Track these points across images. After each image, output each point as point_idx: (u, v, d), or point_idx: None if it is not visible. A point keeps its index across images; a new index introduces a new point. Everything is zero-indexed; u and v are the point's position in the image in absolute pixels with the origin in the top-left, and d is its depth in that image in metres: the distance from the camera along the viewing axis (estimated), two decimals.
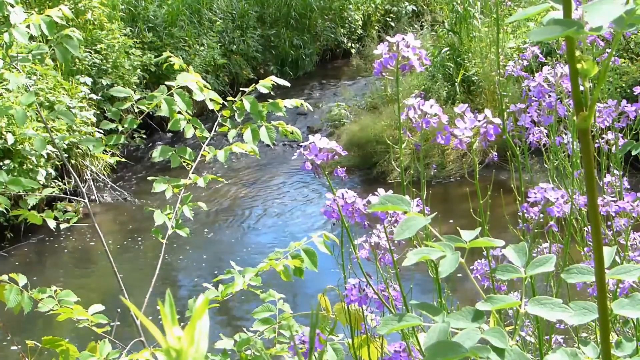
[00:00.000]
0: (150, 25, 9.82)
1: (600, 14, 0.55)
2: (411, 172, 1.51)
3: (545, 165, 1.92)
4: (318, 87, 11.01)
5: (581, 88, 0.66)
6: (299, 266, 1.92)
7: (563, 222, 1.59)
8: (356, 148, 7.39)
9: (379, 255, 1.44)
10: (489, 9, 7.63)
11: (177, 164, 2.24)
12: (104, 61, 8.39)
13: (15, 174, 6.01)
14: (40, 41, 2.66)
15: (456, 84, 7.67)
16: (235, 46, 10.72)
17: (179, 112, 2.16)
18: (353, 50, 12.90)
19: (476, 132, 1.16)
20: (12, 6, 2.00)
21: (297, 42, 11.69)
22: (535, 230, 1.41)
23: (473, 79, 7.62)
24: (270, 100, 2.18)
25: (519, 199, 1.59)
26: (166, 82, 2.15)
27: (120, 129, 2.13)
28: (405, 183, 1.38)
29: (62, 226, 2.24)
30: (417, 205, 1.35)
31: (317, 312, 1.30)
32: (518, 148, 1.70)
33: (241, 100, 2.17)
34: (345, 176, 1.39)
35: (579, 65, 0.64)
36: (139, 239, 6.50)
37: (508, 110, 1.71)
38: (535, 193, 1.35)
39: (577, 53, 0.65)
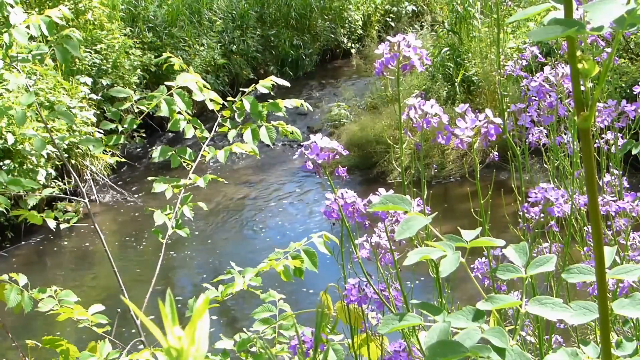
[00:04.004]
0: (150, 25, 9.82)
1: (602, 13, 0.55)
2: (411, 172, 1.51)
3: (545, 165, 1.92)
4: (318, 87, 11.01)
5: (582, 88, 0.66)
6: (299, 266, 1.92)
7: (563, 222, 1.59)
8: (356, 148, 7.39)
9: (380, 255, 1.44)
10: (489, 9, 7.63)
11: (177, 164, 2.24)
12: (104, 61, 8.39)
13: (15, 174, 6.01)
14: (40, 41, 2.66)
15: (456, 84, 7.67)
16: (235, 46, 10.72)
17: (179, 112, 2.17)
18: (353, 50, 12.90)
19: (477, 131, 1.16)
20: (12, 6, 2.00)
21: (297, 42, 11.69)
22: (536, 230, 1.41)
23: (473, 79, 7.62)
24: (270, 101, 2.18)
25: (519, 198, 1.59)
26: (166, 82, 2.15)
27: (120, 129, 2.13)
28: (405, 183, 1.38)
29: (62, 226, 2.24)
30: (418, 205, 1.35)
31: (322, 311, 1.30)
32: (518, 148, 1.70)
33: (241, 100, 2.17)
34: (346, 176, 1.39)
35: (580, 65, 0.64)
36: (139, 239, 6.50)
37: (508, 110, 1.71)
38: (536, 193, 1.35)
39: (578, 53, 0.65)
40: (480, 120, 1.16)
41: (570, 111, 1.66)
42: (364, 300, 1.47)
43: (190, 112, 2.22)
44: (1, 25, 2.04)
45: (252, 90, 2.18)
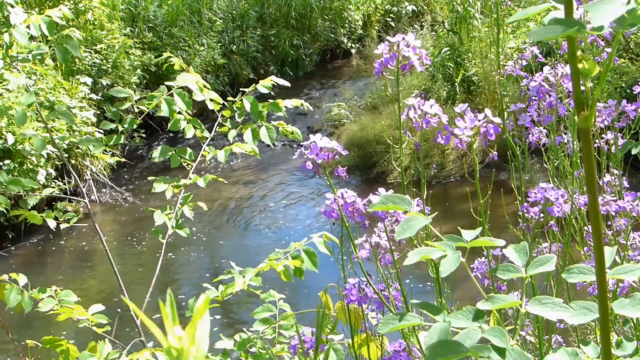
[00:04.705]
0: (150, 25, 9.82)
1: (602, 13, 0.55)
2: (411, 172, 1.51)
3: (545, 165, 1.92)
4: (318, 87, 11.01)
5: (582, 88, 0.66)
6: (299, 266, 1.92)
7: (563, 222, 1.59)
8: (356, 148, 7.39)
9: (379, 255, 1.44)
10: (489, 9, 7.63)
11: (177, 164, 2.24)
12: (104, 61, 8.39)
13: (16, 174, 6.01)
14: (40, 41, 2.66)
15: (456, 84, 7.67)
16: (235, 46, 10.72)
17: (179, 112, 2.17)
18: (353, 50, 12.90)
19: (476, 131, 1.16)
20: (12, 6, 2.00)
21: (297, 42, 11.69)
22: (536, 230, 1.41)
23: (473, 79, 7.62)
24: (270, 101, 2.18)
25: (519, 198, 1.59)
26: (166, 82, 2.15)
27: (120, 129, 2.13)
28: (405, 183, 1.38)
29: (62, 226, 2.24)
30: (418, 205, 1.35)
31: (323, 311, 1.30)
32: (518, 148, 1.70)
33: (241, 100, 2.17)
34: (346, 176, 1.39)
35: (580, 65, 0.64)
36: (139, 239, 6.50)
37: (508, 110, 1.71)
38: (535, 193, 1.35)
39: (578, 53, 0.65)
40: (479, 120, 1.17)
41: (570, 111, 1.66)
42: (364, 300, 1.47)
43: (190, 112, 2.21)
44: (1, 25, 2.04)
45: (252, 90, 2.18)
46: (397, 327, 0.89)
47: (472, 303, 0.86)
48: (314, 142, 1.31)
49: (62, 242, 6.57)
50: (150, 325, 0.48)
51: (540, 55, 1.94)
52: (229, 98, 2.27)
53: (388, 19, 13.64)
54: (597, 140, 1.92)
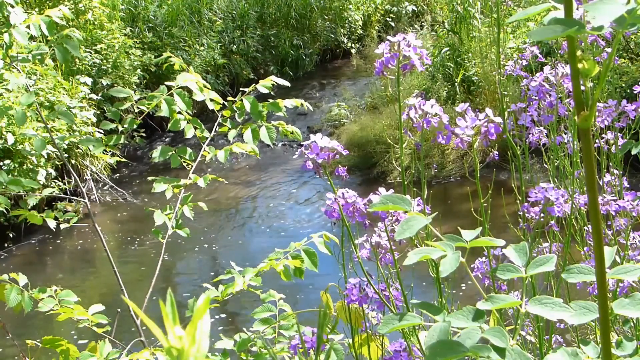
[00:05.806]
0: (150, 25, 9.82)
1: (602, 13, 0.55)
2: (411, 171, 1.51)
3: (545, 165, 1.92)
4: (318, 87, 11.00)
5: (582, 88, 0.66)
6: (299, 266, 1.92)
7: (563, 222, 1.59)
8: (356, 148, 7.39)
9: (380, 255, 1.44)
10: (489, 9, 7.63)
11: (177, 164, 2.24)
12: (104, 61, 8.39)
13: (16, 174, 6.01)
14: (40, 41, 2.66)
15: (456, 84, 7.67)
16: (235, 46, 10.72)
17: (179, 112, 2.17)
18: (353, 50, 12.90)
19: (477, 131, 1.16)
20: (12, 6, 2.00)
21: (297, 42, 11.69)
22: (536, 230, 1.41)
23: (473, 79, 7.62)
24: (270, 100, 2.18)
25: (520, 198, 1.59)
26: (166, 82, 2.15)
27: (120, 129, 2.13)
28: (405, 183, 1.38)
29: (62, 226, 2.24)
30: (418, 205, 1.35)
31: (324, 311, 1.30)
32: (518, 148, 1.70)
33: (241, 100, 2.17)
34: (346, 175, 1.39)
35: (580, 65, 0.64)
36: (139, 239, 6.49)
37: (508, 110, 1.71)
38: (536, 193, 1.35)
39: (578, 53, 0.65)
40: (480, 120, 1.17)
41: (570, 111, 1.67)
42: (365, 300, 1.47)
43: (190, 112, 2.22)
44: (1, 25, 2.04)
45: (252, 90, 2.18)
46: (398, 327, 0.89)
47: (472, 303, 0.86)
48: (315, 141, 1.31)
49: (62, 242, 6.57)
50: (150, 325, 0.48)
51: (540, 55, 1.94)
52: (229, 98, 2.27)
53: (388, 19, 13.64)
54: (597, 140, 1.92)
